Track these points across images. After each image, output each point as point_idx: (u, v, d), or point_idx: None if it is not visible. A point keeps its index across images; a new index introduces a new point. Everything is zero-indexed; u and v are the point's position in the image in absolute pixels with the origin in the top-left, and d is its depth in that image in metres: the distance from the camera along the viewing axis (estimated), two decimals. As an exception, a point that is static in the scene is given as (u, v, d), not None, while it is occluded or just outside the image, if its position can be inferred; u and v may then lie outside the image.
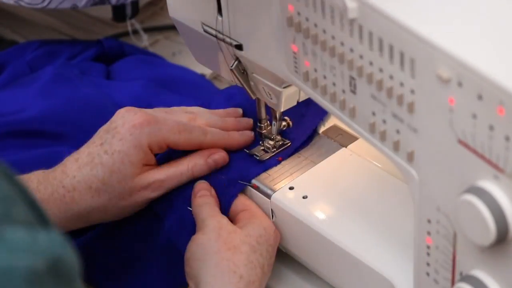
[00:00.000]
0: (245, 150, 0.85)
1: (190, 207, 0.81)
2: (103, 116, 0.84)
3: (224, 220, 0.78)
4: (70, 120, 0.95)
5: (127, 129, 0.80)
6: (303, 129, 0.86)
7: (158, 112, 0.84)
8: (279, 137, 0.85)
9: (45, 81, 0.99)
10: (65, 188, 0.79)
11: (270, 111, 0.85)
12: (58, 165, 0.81)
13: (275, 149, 0.85)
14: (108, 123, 0.82)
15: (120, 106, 0.83)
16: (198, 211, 0.80)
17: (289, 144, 0.86)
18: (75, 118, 0.95)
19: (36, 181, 0.80)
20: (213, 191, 0.82)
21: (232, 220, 0.80)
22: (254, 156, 0.84)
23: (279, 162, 0.84)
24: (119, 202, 0.80)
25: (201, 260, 0.75)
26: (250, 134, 0.86)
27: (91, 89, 0.98)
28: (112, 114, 0.82)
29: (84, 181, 0.79)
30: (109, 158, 0.79)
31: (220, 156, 0.83)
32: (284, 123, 0.85)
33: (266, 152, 0.85)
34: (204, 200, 0.80)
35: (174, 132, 0.82)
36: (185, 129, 0.82)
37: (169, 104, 0.89)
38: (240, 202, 0.81)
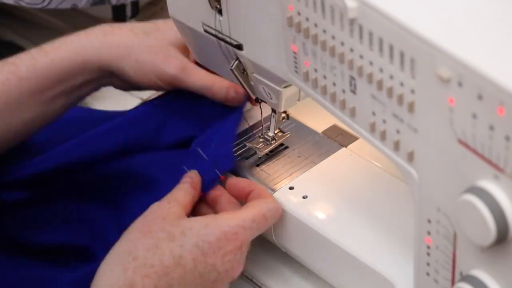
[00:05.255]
0: (244, 143, 0.85)
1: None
2: None
3: (166, 205, 0.76)
4: None
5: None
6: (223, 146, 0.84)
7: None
8: (277, 130, 0.86)
9: None
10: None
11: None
12: None
13: (274, 141, 0.85)
14: None
15: None
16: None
17: (288, 135, 0.86)
18: None
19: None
20: (196, 180, 0.80)
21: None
22: (254, 148, 0.84)
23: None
24: (143, 53, 0.84)
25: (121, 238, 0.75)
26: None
27: None
28: None
29: (130, 25, 0.87)
30: (163, 23, 0.87)
31: (241, 92, 0.84)
32: (283, 114, 0.85)
33: (266, 144, 0.85)
34: (178, 186, 0.79)
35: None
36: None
37: None
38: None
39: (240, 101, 0.84)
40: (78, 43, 0.84)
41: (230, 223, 0.75)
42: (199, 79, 0.84)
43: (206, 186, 0.80)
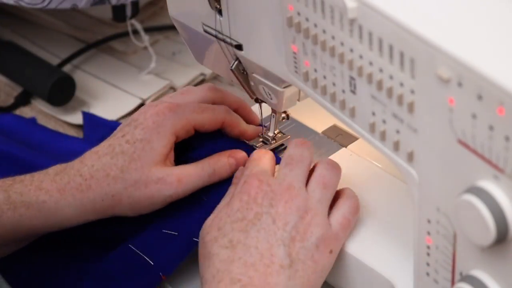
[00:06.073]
0: (245, 141, 0.85)
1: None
2: None
3: None
4: None
5: (149, 118, 0.79)
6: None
7: (176, 97, 0.83)
8: (277, 130, 0.86)
9: None
10: (82, 177, 0.78)
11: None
12: (77, 158, 0.80)
13: (274, 141, 0.85)
14: (129, 118, 0.81)
15: None
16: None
17: (288, 137, 0.86)
18: None
19: (54, 172, 0.79)
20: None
21: None
22: (254, 147, 0.84)
23: None
24: (134, 192, 0.77)
25: None
26: (260, 129, 0.86)
27: None
28: None
29: (102, 169, 0.77)
30: (131, 147, 0.78)
31: (241, 155, 0.82)
32: (283, 114, 0.85)
33: (265, 143, 0.85)
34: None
35: (198, 112, 0.81)
36: (207, 107, 0.82)
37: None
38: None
39: (244, 161, 0.81)
40: (52, 205, 0.78)
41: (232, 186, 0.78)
42: (199, 177, 0.79)
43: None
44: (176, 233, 0.79)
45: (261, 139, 0.85)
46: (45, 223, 0.78)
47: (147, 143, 0.78)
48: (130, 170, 0.77)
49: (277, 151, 0.86)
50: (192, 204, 0.80)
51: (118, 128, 0.81)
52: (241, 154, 0.82)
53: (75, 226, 0.81)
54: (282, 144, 0.86)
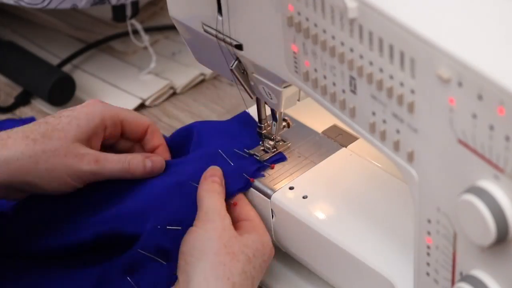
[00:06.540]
0: (245, 149, 0.85)
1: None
2: None
3: (228, 220, 0.77)
4: None
5: (80, 105, 0.82)
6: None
7: None
8: (279, 137, 0.85)
9: None
10: None
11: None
12: None
13: (275, 149, 0.85)
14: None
15: None
16: (204, 197, 0.78)
17: (289, 145, 0.86)
18: None
19: None
20: (223, 182, 0.80)
21: (233, 225, 0.78)
22: (254, 156, 0.84)
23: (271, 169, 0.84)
24: (51, 158, 0.77)
25: (198, 258, 0.73)
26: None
27: None
28: None
29: (22, 131, 0.78)
30: (56, 119, 0.80)
31: (158, 160, 0.83)
32: (284, 123, 0.85)
33: (266, 152, 0.85)
34: (214, 188, 0.79)
35: (125, 110, 0.85)
36: (136, 112, 0.87)
37: None
38: (245, 211, 0.80)
39: (161, 169, 0.83)
40: None
41: (269, 240, 0.79)
42: (115, 164, 0.81)
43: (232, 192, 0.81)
44: (180, 228, 0.79)
45: (262, 148, 0.85)
46: None
47: (74, 118, 0.80)
48: (52, 137, 0.78)
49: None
50: (181, 192, 0.81)
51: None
52: (158, 158, 0.83)
53: (80, 229, 0.81)
54: (283, 141, 0.86)
